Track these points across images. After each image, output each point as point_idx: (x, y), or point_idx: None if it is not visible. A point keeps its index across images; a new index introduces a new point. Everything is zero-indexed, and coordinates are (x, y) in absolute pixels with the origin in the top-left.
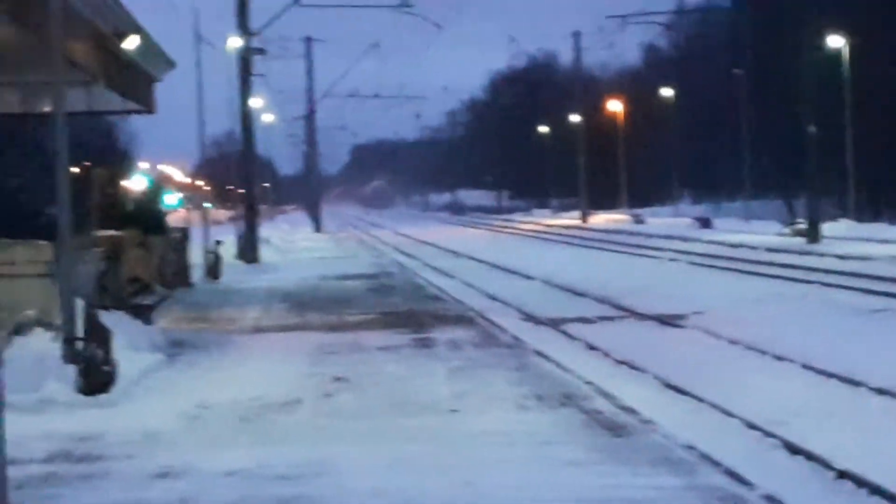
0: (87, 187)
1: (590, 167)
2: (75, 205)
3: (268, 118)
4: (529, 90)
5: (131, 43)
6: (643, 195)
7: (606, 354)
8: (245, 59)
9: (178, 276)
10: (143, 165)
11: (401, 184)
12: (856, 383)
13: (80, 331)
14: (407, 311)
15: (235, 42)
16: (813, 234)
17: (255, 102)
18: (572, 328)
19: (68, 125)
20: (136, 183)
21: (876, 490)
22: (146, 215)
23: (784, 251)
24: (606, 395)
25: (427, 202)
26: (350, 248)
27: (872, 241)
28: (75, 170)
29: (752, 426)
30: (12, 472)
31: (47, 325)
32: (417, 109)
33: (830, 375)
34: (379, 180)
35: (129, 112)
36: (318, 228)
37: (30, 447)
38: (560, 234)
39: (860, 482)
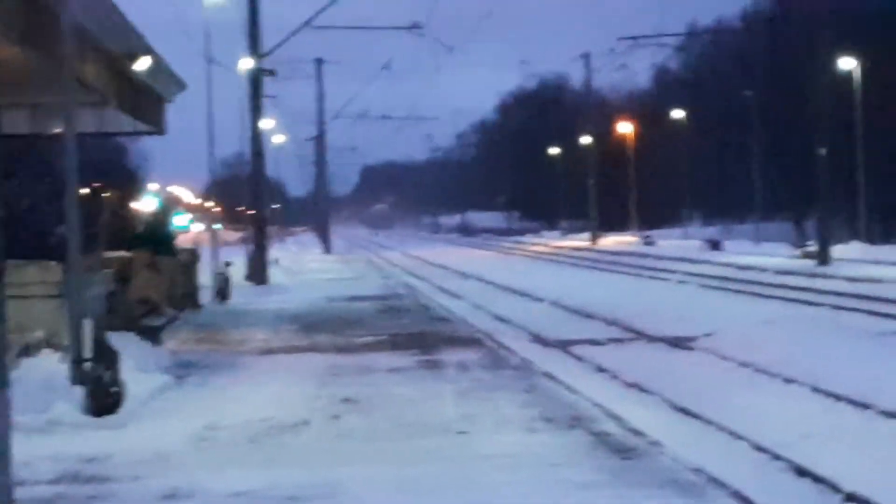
0: (97, 208)
1: (600, 189)
2: (85, 226)
3: (278, 139)
4: (540, 112)
5: (142, 64)
6: (653, 217)
7: (615, 376)
8: (256, 81)
9: (187, 297)
10: (153, 187)
11: (410, 205)
12: (865, 406)
13: (88, 352)
14: (416, 332)
15: (247, 63)
16: (823, 257)
17: (265, 123)
18: (581, 350)
19: (78, 146)
20: (145, 204)
21: None
22: (156, 236)
23: (794, 273)
24: (615, 418)
25: (437, 224)
26: (359, 270)
27: (883, 263)
28: (85, 191)
29: (760, 448)
30: (20, 494)
31: (55, 346)
32: (428, 131)
33: (839, 398)
34: (382, 203)
35: (139, 133)
36: (327, 250)
37: (37, 468)
38: (570, 256)
39: None
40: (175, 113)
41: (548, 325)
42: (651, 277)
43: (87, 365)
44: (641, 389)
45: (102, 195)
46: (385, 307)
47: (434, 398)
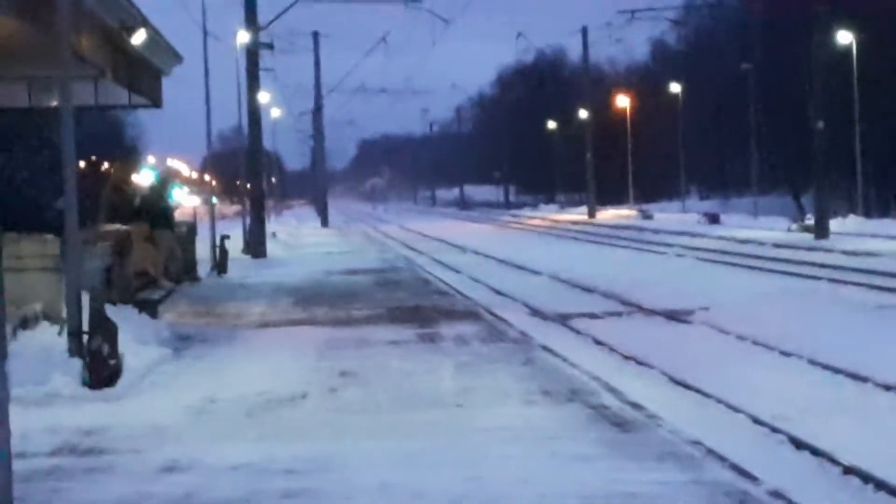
0: (96, 181)
1: (597, 162)
2: (82, 199)
3: (275, 113)
4: (537, 85)
5: (139, 37)
6: (651, 191)
7: (613, 350)
8: (253, 54)
9: (185, 270)
10: (151, 160)
11: (408, 179)
12: (863, 379)
13: (86, 325)
14: (413, 306)
15: (243, 37)
16: (821, 230)
17: (262, 97)
18: (579, 323)
19: (76, 119)
20: (143, 177)
21: (882, 486)
22: (153, 210)
23: (792, 247)
24: (613, 391)
25: (434, 197)
26: (357, 243)
27: (881, 237)
28: (83, 164)
29: (758, 422)
30: (17, 466)
31: (53, 319)
32: (425, 104)
33: (837, 371)
34: (377, 178)
35: (136, 106)
36: (324, 223)
37: (35, 440)
38: (568, 230)
39: (866, 478)
40: (172, 86)
41: (546, 299)
42: (649, 251)
43: (85, 337)
44: (639, 362)
45: (101, 169)
46: (383, 280)
47: (432, 371)
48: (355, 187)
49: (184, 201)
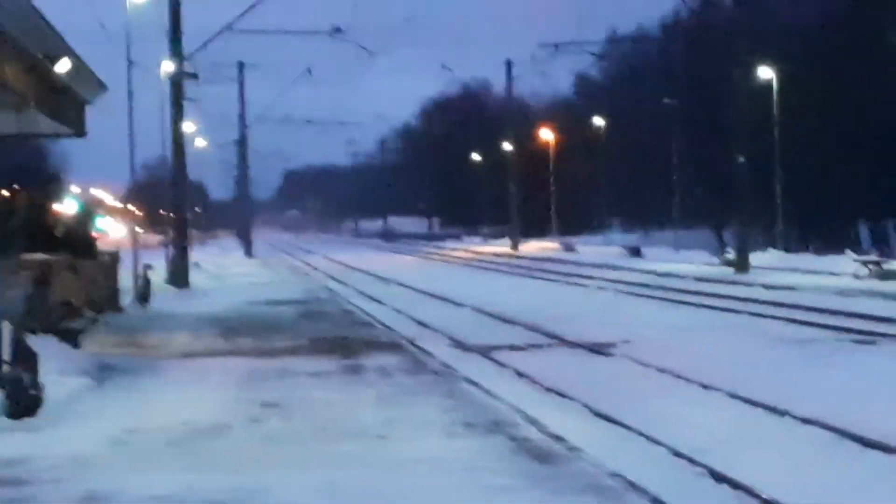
0: (15, 211)
1: (521, 195)
2: (3, 227)
3: (200, 143)
4: (462, 118)
5: (63, 66)
6: (574, 223)
7: (535, 382)
8: (177, 84)
9: (108, 300)
10: (75, 189)
11: (333, 210)
12: (782, 412)
13: (6, 354)
14: (337, 337)
15: (168, 66)
16: (741, 264)
17: (187, 127)
18: (502, 355)
19: None
20: (66, 206)
21: None
22: (76, 239)
23: (713, 280)
24: (535, 423)
25: (359, 228)
26: (281, 274)
27: (800, 271)
28: (5, 193)
29: (678, 454)
30: None
31: None
32: (350, 136)
33: (757, 404)
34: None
35: (59, 135)
36: (249, 253)
37: None
38: (491, 262)
39: None
40: (96, 115)
41: (469, 331)
42: (571, 283)
43: (6, 367)
44: (561, 395)
45: (21, 197)
46: (307, 311)
47: (355, 403)
48: (275, 218)
49: (111, 230)
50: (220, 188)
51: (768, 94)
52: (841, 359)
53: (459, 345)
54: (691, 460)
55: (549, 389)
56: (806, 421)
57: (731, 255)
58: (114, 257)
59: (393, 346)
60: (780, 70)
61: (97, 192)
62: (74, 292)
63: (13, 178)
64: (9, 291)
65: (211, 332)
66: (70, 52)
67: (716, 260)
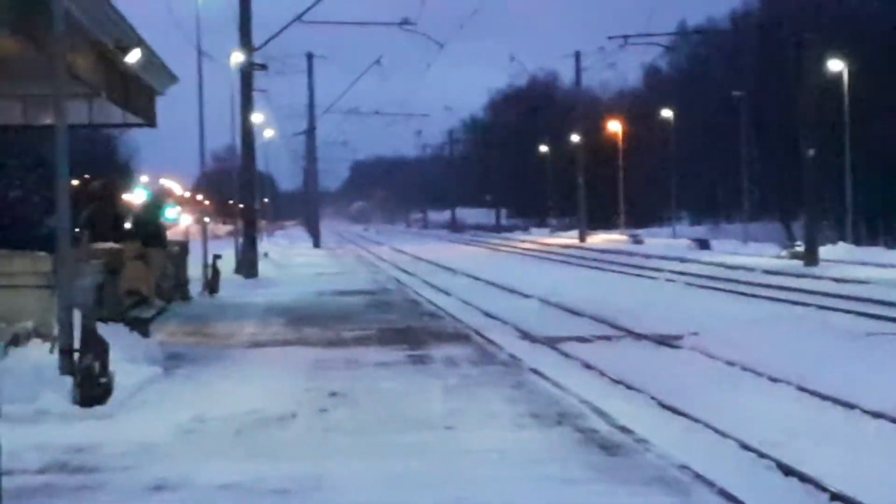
0: (85, 200)
1: (589, 187)
2: (75, 217)
3: (269, 133)
4: (530, 109)
5: (134, 57)
6: (642, 216)
7: (602, 373)
8: (247, 75)
9: (177, 289)
10: (144, 179)
11: (400, 201)
12: (851, 406)
13: (77, 342)
14: (404, 327)
15: (238, 57)
16: (810, 257)
17: (256, 118)
18: (569, 347)
19: (69, 138)
20: (136, 196)
21: None
22: (146, 228)
23: (781, 273)
24: (602, 414)
25: (426, 220)
26: (348, 265)
27: (869, 264)
28: (76, 182)
29: (746, 447)
30: (7, 483)
31: (45, 337)
32: (418, 127)
33: (825, 398)
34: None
35: (130, 125)
36: (316, 244)
37: (25, 458)
38: (558, 254)
39: None
40: (166, 106)
41: (536, 322)
42: (639, 276)
43: (77, 355)
44: (628, 387)
45: (92, 187)
46: (374, 302)
47: (421, 393)
48: (342, 209)
49: (180, 220)
50: (288, 179)
51: (839, 86)
52: None
53: (526, 336)
54: (760, 453)
55: (616, 381)
56: (875, 415)
57: (800, 247)
58: (183, 247)
59: (460, 337)
60: (850, 62)
61: (167, 182)
62: (144, 281)
63: (84, 168)
64: (79, 280)
65: (278, 321)
66: (141, 43)
67: (784, 253)
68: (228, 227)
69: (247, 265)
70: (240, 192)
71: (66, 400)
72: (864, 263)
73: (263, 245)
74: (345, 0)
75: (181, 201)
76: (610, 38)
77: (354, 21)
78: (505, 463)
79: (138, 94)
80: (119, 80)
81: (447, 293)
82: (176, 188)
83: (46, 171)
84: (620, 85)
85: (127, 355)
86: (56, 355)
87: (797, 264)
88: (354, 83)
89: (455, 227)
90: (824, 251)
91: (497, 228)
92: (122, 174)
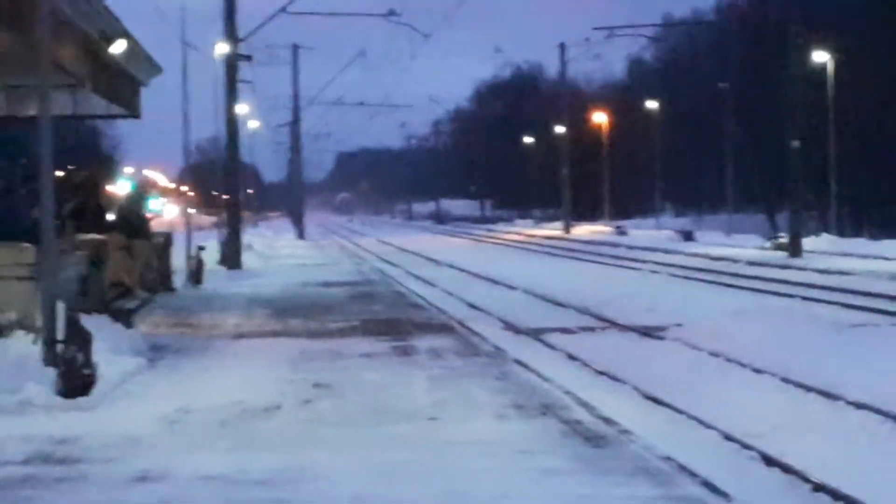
0: (69, 191)
1: (573, 178)
2: (57, 208)
3: (253, 125)
4: (515, 100)
5: (118, 47)
6: (626, 207)
7: (586, 365)
8: (231, 66)
9: (161, 280)
10: (129, 170)
11: (385, 192)
12: (834, 397)
13: (61, 333)
14: (388, 318)
15: (223, 48)
16: (794, 249)
17: (240, 109)
18: (553, 338)
19: (53, 128)
20: (120, 187)
21: (852, 503)
22: (130, 220)
23: (765, 265)
24: (585, 406)
25: (410, 211)
26: (332, 256)
27: (853, 255)
28: (60, 173)
29: (729, 438)
30: None
31: (28, 328)
32: (403, 118)
33: (809, 389)
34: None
35: (114, 116)
36: (301, 235)
37: (8, 449)
38: (543, 245)
39: (836, 495)
40: (150, 97)
41: (520, 313)
42: (623, 267)
43: (60, 346)
44: (612, 378)
45: (75, 178)
46: (358, 293)
47: (406, 384)
48: (327, 200)
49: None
50: (272, 170)
51: (823, 78)
52: (895, 343)
53: (511, 327)
54: (743, 444)
55: (600, 372)
56: (859, 406)
57: (784, 239)
58: (167, 238)
59: (444, 328)
60: (834, 54)
61: (151, 174)
62: (128, 273)
63: (68, 158)
64: (63, 272)
65: (263, 312)
66: (126, 34)
67: (769, 244)
68: (212, 219)
69: (231, 256)
70: (224, 183)
71: (50, 391)
72: (848, 254)
73: (247, 236)
74: None
75: (165, 192)
76: (595, 29)
77: (339, 12)
78: (489, 454)
79: (123, 85)
80: (103, 71)
81: (432, 284)
82: (160, 179)
83: (30, 163)
84: (605, 76)
85: (111, 346)
86: (39, 346)
87: (781, 255)
88: (339, 74)
89: (440, 218)
90: (808, 242)
91: (482, 220)
92: (107, 165)
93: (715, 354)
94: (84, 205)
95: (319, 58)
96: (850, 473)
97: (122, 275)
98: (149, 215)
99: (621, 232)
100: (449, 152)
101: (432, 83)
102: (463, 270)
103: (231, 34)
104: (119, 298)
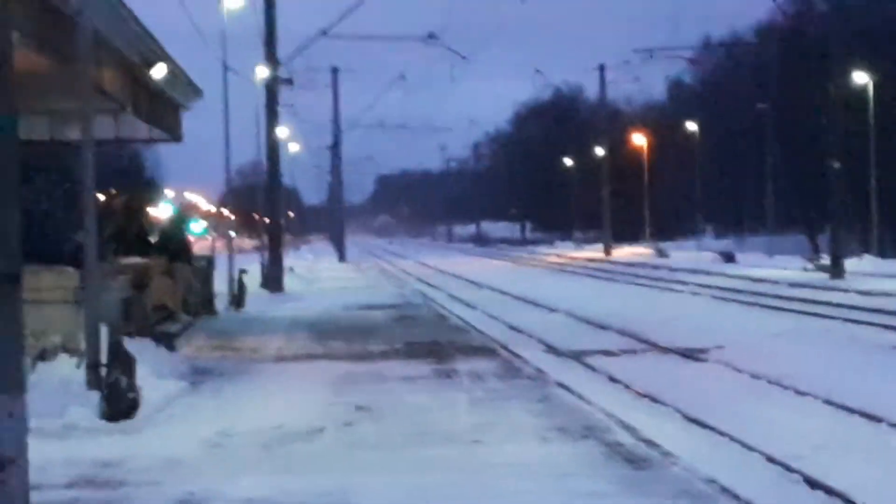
0: (111, 215)
1: (614, 200)
2: (100, 232)
3: (294, 148)
4: (554, 122)
5: (159, 71)
6: (667, 229)
7: (628, 387)
8: (272, 89)
9: (203, 304)
10: (170, 193)
11: (425, 215)
12: (877, 419)
13: (104, 357)
14: (430, 341)
15: (263, 72)
16: (836, 270)
17: (281, 132)
18: (595, 361)
19: (95, 152)
20: (162, 211)
21: None
22: (172, 243)
23: (807, 286)
24: (628, 428)
25: (451, 233)
26: (373, 279)
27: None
28: (101, 197)
29: (772, 460)
30: (35, 497)
31: (72, 352)
32: (442, 141)
33: (852, 411)
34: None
35: (156, 140)
36: (342, 258)
37: (53, 472)
38: (583, 267)
39: None
40: (192, 120)
41: (561, 336)
42: (664, 289)
43: (104, 370)
44: (654, 400)
45: (118, 202)
46: (399, 316)
47: (447, 407)
48: (366, 224)
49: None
50: (313, 193)
51: (864, 99)
52: None
53: (552, 350)
54: (786, 466)
55: (642, 395)
56: None
57: (825, 260)
58: (209, 261)
59: (486, 351)
60: (875, 75)
61: (192, 197)
62: (170, 296)
63: (110, 182)
64: (106, 295)
65: (304, 335)
66: (167, 58)
67: (810, 266)
68: (254, 242)
69: (272, 279)
70: (265, 206)
71: (94, 414)
72: (890, 276)
73: (289, 259)
74: (370, 14)
75: (207, 216)
76: (635, 51)
77: (379, 35)
78: (531, 477)
79: (164, 109)
80: (145, 95)
81: (473, 307)
82: (202, 202)
83: (73, 186)
84: (645, 98)
85: (154, 370)
86: (83, 370)
87: (823, 277)
88: (379, 97)
89: (480, 240)
90: (850, 264)
91: (522, 242)
92: (148, 189)
93: (757, 376)
94: (124, 228)
95: (360, 81)
96: (894, 496)
97: (165, 298)
98: (192, 238)
99: (662, 254)
100: (489, 174)
101: (472, 105)
102: (504, 293)
103: (271, 58)
104: (162, 322)
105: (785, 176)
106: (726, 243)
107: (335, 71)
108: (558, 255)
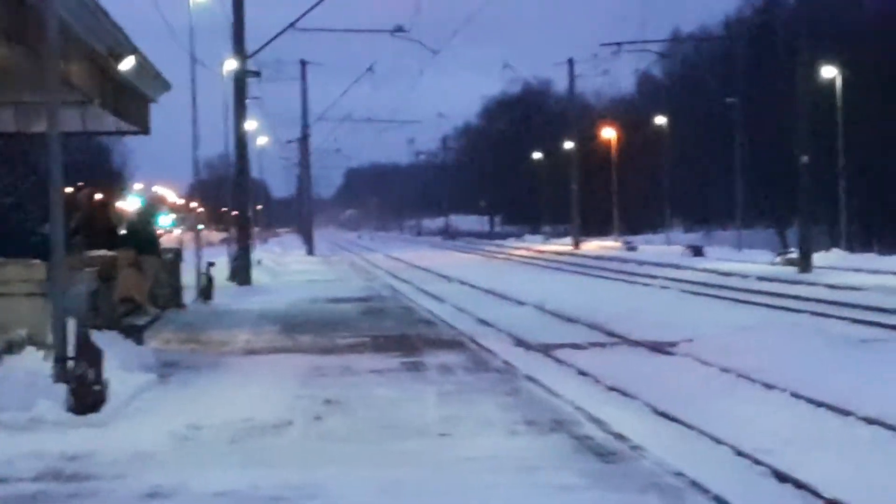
0: (78, 208)
1: (582, 194)
2: (66, 225)
3: (262, 141)
4: (523, 116)
5: (127, 64)
6: (635, 222)
7: (597, 380)
8: (240, 82)
9: (171, 296)
10: (138, 186)
11: (394, 208)
12: (845, 412)
13: (71, 350)
14: (398, 334)
15: (231, 64)
16: (804, 264)
17: (249, 125)
18: (563, 354)
19: (62, 145)
20: (129, 203)
21: None
22: (139, 236)
23: (775, 280)
24: (596, 421)
25: (420, 227)
26: (342, 272)
27: (863, 270)
28: (69, 190)
29: (740, 454)
30: (1, 491)
31: (39, 345)
32: (411, 134)
33: (820, 404)
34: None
35: (123, 133)
36: (310, 251)
37: (19, 466)
38: (552, 260)
39: None
40: (159, 113)
41: (530, 329)
42: (633, 282)
43: (71, 363)
44: (623, 394)
45: (84, 194)
46: (368, 309)
47: (416, 400)
48: (334, 217)
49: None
50: (281, 186)
51: (832, 93)
52: None
53: (521, 343)
54: (754, 460)
55: (610, 388)
56: (870, 421)
57: (793, 254)
58: (177, 254)
59: (455, 344)
60: (843, 69)
61: (160, 190)
62: (138, 289)
63: (77, 175)
64: (73, 288)
65: (273, 329)
66: (135, 50)
67: (778, 259)
68: (222, 235)
69: (240, 272)
70: (233, 199)
71: (61, 408)
72: (857, 270)
73: (257, 252)
74: (339, 7)
75: (175, 209)
76: (603, 45)
77: (348, 28)
78: (500, 470)
79: (131, 102)
80: (112, 88)
81: (441, 300)
82: (169, 195)
83: (39, 179)
84: (614, 92)
85: (121, 363)
86: (50, 363)
87: (791, 271)
88: (347, 90)
89: (449, 234)
90: (818, 257)
91: (491, 235)
92: (116, 181)
93: (726, 370)
94: (90, 221)
95: (328, 74)
96: (862, 488)
97: (132, 291)
98: (159, 231)
99: (631, 247)
100: (458, 168)
101: (441, 99)
102: (472, 286)
103: (239, 50)
104: (129, 315)
105: (753, 170)
106: (695, 237)
107: (303, 63)
108: (527, 249)
